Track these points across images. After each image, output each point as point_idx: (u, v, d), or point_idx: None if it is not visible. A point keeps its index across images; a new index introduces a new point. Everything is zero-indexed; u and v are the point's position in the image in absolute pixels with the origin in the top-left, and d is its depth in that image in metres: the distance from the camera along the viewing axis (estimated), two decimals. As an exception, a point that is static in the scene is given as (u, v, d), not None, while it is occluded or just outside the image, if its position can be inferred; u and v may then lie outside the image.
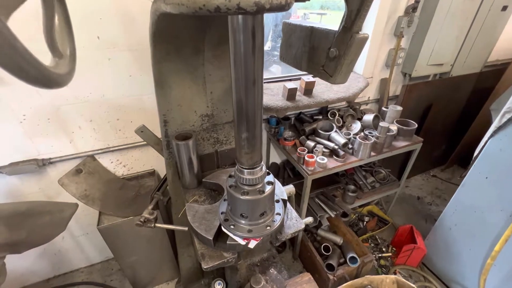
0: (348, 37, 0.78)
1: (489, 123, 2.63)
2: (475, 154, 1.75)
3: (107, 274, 2.26)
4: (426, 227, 2.75)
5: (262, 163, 0.88)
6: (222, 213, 1.00)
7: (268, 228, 0.93)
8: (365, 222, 2.65)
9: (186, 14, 0.56)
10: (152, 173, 2.02)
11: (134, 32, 1.50)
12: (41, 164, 1.63)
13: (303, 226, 1.13)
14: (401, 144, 2.07)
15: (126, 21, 1.45)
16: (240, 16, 0.57)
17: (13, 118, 1.48)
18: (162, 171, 2.10)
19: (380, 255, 2.40)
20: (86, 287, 2.15)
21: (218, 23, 0.94)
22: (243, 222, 0.93)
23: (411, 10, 2.12)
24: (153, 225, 1.30)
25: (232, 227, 0.93)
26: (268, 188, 0.89)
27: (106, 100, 1.64)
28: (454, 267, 2.02)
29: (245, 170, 0.84)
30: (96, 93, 1.60)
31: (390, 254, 2.40)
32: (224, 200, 1.05)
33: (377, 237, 2.57)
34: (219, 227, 1.00)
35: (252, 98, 0.69)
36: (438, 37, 2.34)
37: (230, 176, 0.94)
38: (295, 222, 1.14)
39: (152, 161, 2.01)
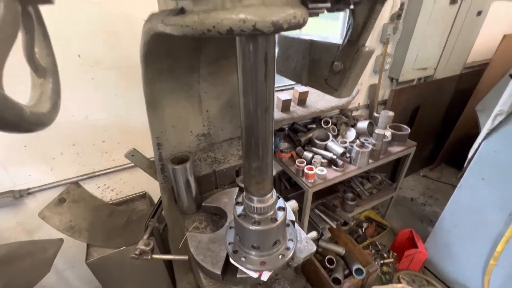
0: (354, 50, 0.73)
1: (473, 122, 2.73)
2: (469, 156, 1.78)
3: (97, 308, 2.08)
4: (423, 228, 2.77)
5: (273, 189, 0.82)
6: (230, 243, 0.91)
7: (282, 257, 0.86)
8: (364, 229, 2.62)
9: (190, 36, 0.49)
10: (143, 196, 1.89)
11: (119, 48, 1.40)
12: (18, 196, 1.47)
13: (314, 248, 1.06)
14: (397, 150, 2.08)
15: (109, 37, 1.36)
16: (252, 41, 0.51)
17: (-16, 148, 1.33)
18: (153, 193, 1.98)
19: (382, 261, 2.37)
20: (74, 325, 1.96)
21: (216, 39, 0.88)
22: (254, 253, 0.85)
23: (396, 17, 2.16)
24: (150, 257, 1.19)
25: (243, 259, 0.85)
26: (281, 215, 0.82)
27: (90, 121, 1.52)
28: (457, 269, 2.03)
29: (255, 198, 0.77)
30: (79, 115, 1.48)
31: (392, 260, 2.38)
32: (231, 227, 0.97)
33: (377, 243, 2.55)
34: (227, 258, 0.92)
35: (264, 125, 0.63)
36: (422, 42, 2.40)
37: (238, 203, 0.86)
38: (306, 245, 1.08)
39: (142, 183, 1.89)
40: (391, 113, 2.21)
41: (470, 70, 3.25)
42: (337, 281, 1.85)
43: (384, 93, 2.80)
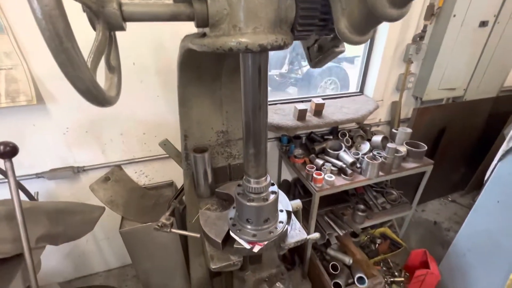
0: (325, 49, 0.88)
1: (507, 148, 2.59)
2: (485, 177, 1.75)
3: (122, 280, 2.38)
4: (443, 253, 2.64)
5: (267, 174, 1.00)
6: (230, 218, 1.11)
7: (271, 234, 1.03)
8: (377, 245, 2.60)
9: (207, 52, 0.72)
10: (171, 184, 2.18)
11: (163, 58, 1.73)
12: (76, 171, 1.85)
13: (305, 236, 1.20)
14: (410, 166, 2.10)
15: (157, 49, 1.69)
16: (249, 56, 0.73)
17: (58, 130, 1.72)
18: (179, 183, 2.26)
19: (392, 279, 2.33)
20: (103, 290, 2.28)
21: (233, 55, 1.12)
22: (248, 227, 1.03)
23: (418, 38, 2.23)
24: (169, 230, 1.42)
25: (238, 231, 1.04)
26: (272, 197, 1.00)
27: (136, 116, 1.86)
28: (470, 296, 1.94)
29: (252, 180, 0.97)
30: (128, 110, 1.82)
31: (402, 279, 2.33)
32: (233, 207, 1.16)
33: (389, 260, 2.51)
34: (228, 232, 1.11)
35: (258, 120, 0.83)
36: (448, 63, 2.41)
37: (239, 185, 1.06)
38: (298, 233, 1.22)
39: (171, 173, 2.18)
40: (408, 130, 2.24)
41: (510, 94, 3.08)
42: (338, 286, 1.91)
43: (408, 111, 2.81)
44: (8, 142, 0.94)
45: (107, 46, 0.74)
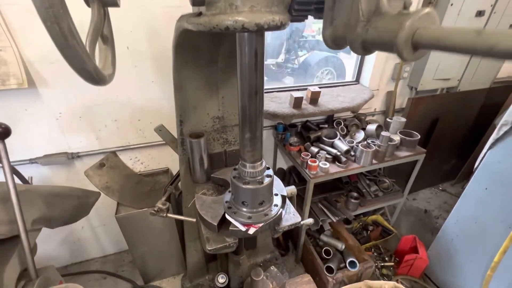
0: None
1: (498, 138, 2.65)
2: (475, 165, 1.80)
3: (119, 265, 2.41)
4: (432, 239, 2.73)
5: (263, 159, 1.01)
6: (226, 202, 1.13)
7: (266, 216, 1.05)
8: (369, 231, 2.67)
9: (203, 31, 0.71)
10: (166, 171, 2.18)
11: (158, 43, 1.70)
12: (70, 157, 1.84)
13: (299, 219, 1.23)
14: (404, 154, 2.14)
15: (152, 34, 1.66)
16: (246, 39, 0.72)
17: (51, 115, 1.69)
18: (175, 169, 2.27)
19: (382, 264, 2.41)
20: (100, 275, 2.31)
21: (230, 38, 1.11)
22: (244, 209, 1.05)
23: (415, 27, 2.23)
24: (165, 214, 1.44)
25: (234, 213, 1.06)
26: (267, 180, 1.01)
27: (131, 102, 1.84)
28: (457, 279, 2.02)
29: (248, 164, 0.98)
30: (122, 96, 1.80)
31: (392, 263, 2.41)
32: (229, 191, 1.18)
33: (380, 246, 2.59)
34: (223, 216, 1.13)
35: (254, 105, 0.83)
36: (443, 53, 2.42)
37: (235, 169, 1.07)
38: (293, 216, 1.25)
39: (167, 160, 2.18)
40: (402, 119, 2.26)
41: (503, 85, 3.12)
42: (330, 270, 1.97)
43: (403, 101, 2.83)
44: (0, 123, 0.93)
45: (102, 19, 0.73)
